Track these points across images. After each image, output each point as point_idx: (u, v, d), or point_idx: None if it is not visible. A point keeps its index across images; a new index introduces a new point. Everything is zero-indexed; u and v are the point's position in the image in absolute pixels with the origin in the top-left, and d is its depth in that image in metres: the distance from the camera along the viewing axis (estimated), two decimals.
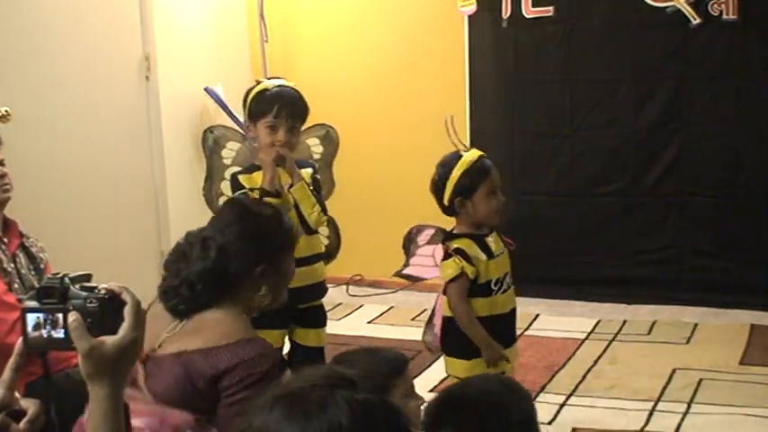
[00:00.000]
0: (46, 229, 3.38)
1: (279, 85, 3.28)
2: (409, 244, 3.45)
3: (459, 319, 3.08)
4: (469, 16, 5.11)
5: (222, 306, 2.26)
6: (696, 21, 4.74)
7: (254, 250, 2.29)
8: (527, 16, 4.99)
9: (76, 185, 4.33)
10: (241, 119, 5.05)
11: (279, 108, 3.19)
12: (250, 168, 3.29)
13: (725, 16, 4.68)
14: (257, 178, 3.19)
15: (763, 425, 3.49)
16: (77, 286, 1.50)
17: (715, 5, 4.69)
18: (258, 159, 3.29)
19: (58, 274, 1.52)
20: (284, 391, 1.21)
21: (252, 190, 3.17)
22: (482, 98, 5.17)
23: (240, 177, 3.23)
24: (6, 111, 3.92)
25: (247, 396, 2.11)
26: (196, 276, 2.25)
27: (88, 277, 1.54)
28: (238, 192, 3.17)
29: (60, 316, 1.48)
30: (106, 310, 1.48)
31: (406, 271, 3.47)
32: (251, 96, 3.27)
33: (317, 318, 3.33)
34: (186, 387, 2.16)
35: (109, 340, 1.46)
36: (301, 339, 3.30)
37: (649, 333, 4.56)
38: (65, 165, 4.26)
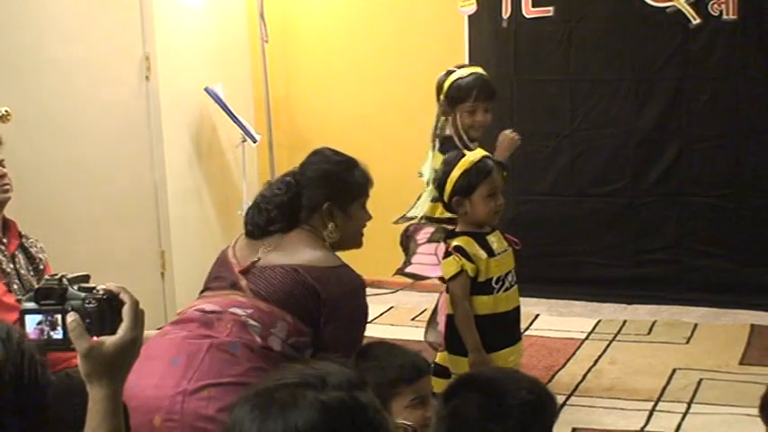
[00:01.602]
0: (46, 229, 3.38)
1: (471, 73, 3.69)
2: (407, 242, 3.45)
3: (456, 317, 3.10)
4: (469, 16, 5.11)
5: (300, 232, 2.66)
6: (696, 21, 4.74)
7: (323, 188, 2.69)
8: (527, 16, 4.99)
9: (76, 185, 4.33)
10: (241, 119, 5.07)
11: (477, 93, 3.63)
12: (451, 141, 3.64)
13: (725, 16, 4.68)
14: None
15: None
16: (76, 287, 1.50)
17: (715, 5, 4.69)
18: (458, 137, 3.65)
19: (56, 275, 1.52)
20: (258, 389, 1.23)
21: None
22: None
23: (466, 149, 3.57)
24: (6, 111, 3.92)
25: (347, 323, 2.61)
26: (272, 205, 2.68)
27: (86, 278, 1.54)
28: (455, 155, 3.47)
29: (59, 317, 1.48)
30: (105, 311, 1.48)
31: (409, 269, 3.47)
32: (448, 85, 3.65)
33: None
34: (295, 293, 2.53)
35: (108, 340, 1.46)
36: None
37: (649, 333, 4.56)
38: (65, 165, 4.26)
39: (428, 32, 5.26)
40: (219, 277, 2.67)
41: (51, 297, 1.49)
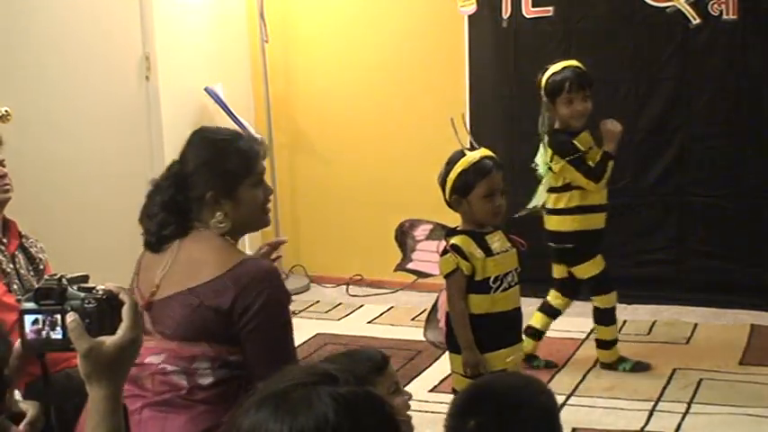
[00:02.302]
0: (46, 229, 3.38)
1: (564, 67, 3.98)
2: (404, 238, 3.45)
3: (451, 314, 3.10)
4: (469, 16, 5.11)
5: (196, 235, 2.38)
6: (696, 21, 4.74)
7: (202, 176, 2.39)
8: (527, 16, 4.99)
9: (76, 185, 4.33)
10: (241, 119, 5.07)
11: (569, 85, 3.91)
12: (561, 132, 3.96)
13: (725, 16, 4.68)
14: (583, 140, 3.96)
15: (763, 425, 3.49)
16: (75, 287, 1.50)
17: (715, 5, 4.69)
18: (565, 125, 3.96)
19: (55, 275, 1.52)
20: (269, 392, 1.22)
21: (589, 149, 3.95)
22: (482, 98, 5.16)
23: (574, 139, 3.93)
24: (6, 111, 3.92)
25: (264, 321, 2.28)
26: (157, 207, 2.43)
27: (85, 278, 1.54)
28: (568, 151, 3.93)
29: (58, 317, 1.48)
30: (104, 311, 1.47)
31: (410, 266, 3.46)
32: (545, 81, 3.95)
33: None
34: (198, 322, 2.28)
35: (108, 340, 1.46)
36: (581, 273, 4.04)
37: (649, 333, 4.56)
38: (65, 165, 4.26)
39: (428, 32, 5.26)
40: None
41: (51, 297, 1.48)
